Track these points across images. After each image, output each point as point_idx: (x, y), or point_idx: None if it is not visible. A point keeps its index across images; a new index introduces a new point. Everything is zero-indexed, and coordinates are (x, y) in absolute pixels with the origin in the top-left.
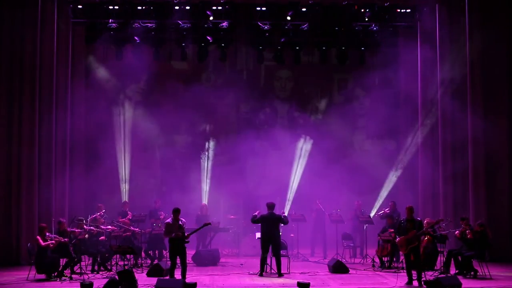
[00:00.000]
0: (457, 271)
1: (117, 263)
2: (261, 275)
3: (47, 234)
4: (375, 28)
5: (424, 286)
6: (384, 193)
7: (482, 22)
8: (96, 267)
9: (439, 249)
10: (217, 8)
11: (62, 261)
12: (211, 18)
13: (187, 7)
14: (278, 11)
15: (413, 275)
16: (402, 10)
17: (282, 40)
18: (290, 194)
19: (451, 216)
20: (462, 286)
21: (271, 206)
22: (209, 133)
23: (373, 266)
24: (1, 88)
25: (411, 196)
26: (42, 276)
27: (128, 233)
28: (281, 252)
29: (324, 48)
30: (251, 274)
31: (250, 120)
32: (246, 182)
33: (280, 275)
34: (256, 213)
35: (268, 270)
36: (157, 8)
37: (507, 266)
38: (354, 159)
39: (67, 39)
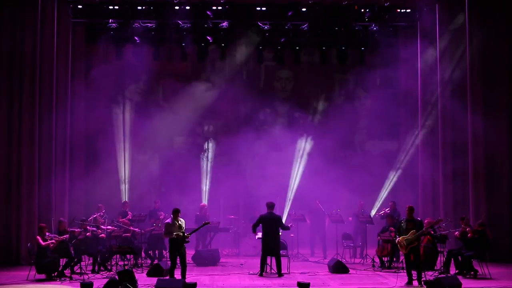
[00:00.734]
0: (457, 271)
1: (117, 263)
2: (261, 275)
3: (47, 234)
4: (375, 28)
5: (424, 286)
6: (384, 193)
7: (482, 21)
8: (96, 267)
9: (439, 249)
10: (217, 8)
11: (62, 261)
12: (211, 18)
13: (187, 7)
14: (278, 11)
15: (413, 275)
16: (402, 10)
17: (282, 40)
18: (290, 194)
19: (451, 216)
20: (462, 286)
21: (270, 206)
22: (209, 133)
23: (373, 266)
24: (1, 88)
25: (411, 196)
26: (42, 276)
27: (128, 233)
28: (281, 252)
29: (324, 48)
30: (251, 274)
31: (250, 120)
32: (246, 182)
33: (280, 275)
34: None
35: (268, 270)
36: (157, 8)
37: (507, 266)
38: (354, 159)
39: (67, 39)
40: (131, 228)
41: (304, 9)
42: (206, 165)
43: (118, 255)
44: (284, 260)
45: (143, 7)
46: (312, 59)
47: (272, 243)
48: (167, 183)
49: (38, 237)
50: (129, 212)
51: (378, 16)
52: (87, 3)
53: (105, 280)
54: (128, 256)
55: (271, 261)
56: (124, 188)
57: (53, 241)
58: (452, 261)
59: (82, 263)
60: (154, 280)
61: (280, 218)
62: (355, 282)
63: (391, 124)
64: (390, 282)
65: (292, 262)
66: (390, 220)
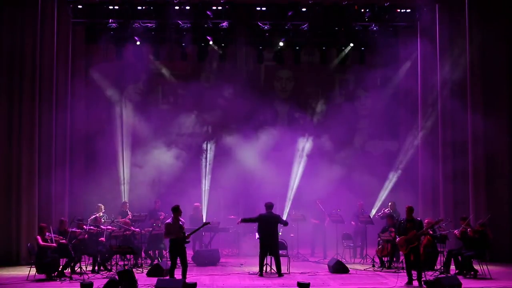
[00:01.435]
0: (457, 271)
1: (117, 263)
2: (261, 275)
3: (47, 234)
4: (375, 28)
5: (424, 286)
6: (384, 193)
7: (482, 21)
8: (96, 267)
9: (439, 249)
10: (217, 8)
11: (62, 261)
12: (211, 18)
13: (187, 7)
14: (278, 11)
15: (413, 275)
16: (402, 10)
17: (282, 40)
18: (290, 194)
19: (451, 216)
20: (462, 286)
21: (269, 206)
22: (209, 133)
23: (373, 266)
24: (1, 87)
25: (411, 196)
26: (42, 276)
27: (128, 233)
28: (281, 252)
29: (324, 48)
30: (251, 274)
31: (250, 120)
32: (246, 182)
33: (280, 275)
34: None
35: (268, 270)
36: (157, 8)
37: (507, 266)
38: (354, 159)
39: (67, 39)
40: (131, 228)
41: (304, 9)
42: (206, 165)
43: (118, 255)
44: (284, 260)
45: (143, 7)
46: (312, 59)
47: (271, 242)
48: (167, 183)
49: (38, 237)
50: (129, 212)
51: (378, 16)
52: (87, 3)
53: (105, 280)
54: (128, 256)
55: (271, 261)
56: (124, 188)
57: (54, 244)
58: (452, 261)
59: (82, 263)
60: (154, 280)
61: (279, 216)
62: (355, 282)
63: (391, 124)
64: (390, 282)
65: (292, 262)
66: (390, 220)
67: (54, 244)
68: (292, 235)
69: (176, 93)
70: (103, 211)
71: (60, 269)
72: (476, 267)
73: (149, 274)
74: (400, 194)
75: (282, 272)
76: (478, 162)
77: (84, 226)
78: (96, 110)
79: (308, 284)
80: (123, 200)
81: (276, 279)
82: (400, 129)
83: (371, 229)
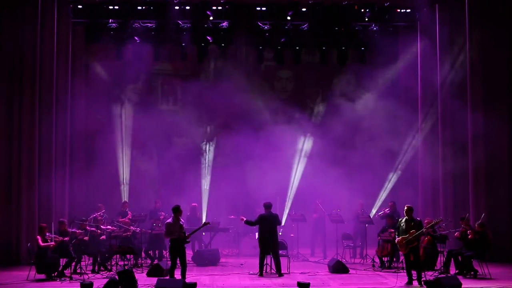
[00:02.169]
0: (457, 271)
1: (117, 263)
2: (261, 275)
3: (47, 234)
4: (375, 28)
5: (424, 286)
6: (384, 193)
7: (482, 21)
8: (96, 267)
9: (439, 249)
10: (217, 8)
11: (62, 261)
12: (211, 18)
13: (187, 7)
14: (278, 11)
15: (413, 275)
16: (402, 10)
17: (282, 40)
18: (290, 194)
19: (451, 216)
20: (462, 286)
21: (268, 206)
22: (209, 134)
23: (373, 266)
24: (1, 88)
25: (411, 196)
26: (42, 276)
27: (128, 233)
28: (281, 252)
29: (324, 48)
30: (251, 274)
31: (250, 120)
32: (246, 182)
33: (280, 275)
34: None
35: (268, 270)
36: (157, 8)
37: (507, 266)
38: (354, 159)
39: (67, 39)
40: (132, 228)
41: (304, 9)
42: (206, 165)
43: (118, 255)
44: (284, 260)
45: (143, 7)
46: (312, 59)
47: (271, 241)
48: (167, 184)
49: (38, 237)
50: (129, 212)
51: (378, 16)
52: (87, 3)
53: (105, 280)
54: (128, 256)
55: (271, 261)
56: (124, 188)
57: (53, 243)
58: (452, 261)
59: (82, 263)
60: (154, 280)
61: (277, 215)
62: (355, 282)
63: (391, 124)
64: (390, 282)
65: (292, 262)
66: (390, 220)
67: (52, 243)
68: (292, 235)
69: (176, 93)
70: (103, 211)
71: (60, 269)
72: (476, 267)
73: (149, 274)
74: (400, 194)
75: (282, 272)
76: (478, 162)
77: (87, 227)
78: (96, 110)
79: (308, 284)
80: (123, 200)
81: (276, 279)
82: (400, 129)
83: (371, 229)
